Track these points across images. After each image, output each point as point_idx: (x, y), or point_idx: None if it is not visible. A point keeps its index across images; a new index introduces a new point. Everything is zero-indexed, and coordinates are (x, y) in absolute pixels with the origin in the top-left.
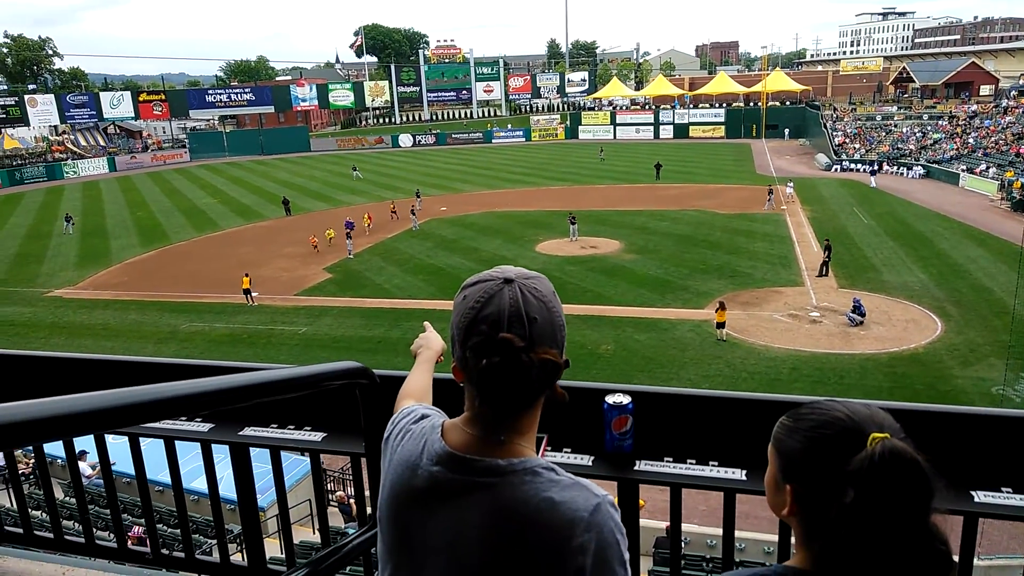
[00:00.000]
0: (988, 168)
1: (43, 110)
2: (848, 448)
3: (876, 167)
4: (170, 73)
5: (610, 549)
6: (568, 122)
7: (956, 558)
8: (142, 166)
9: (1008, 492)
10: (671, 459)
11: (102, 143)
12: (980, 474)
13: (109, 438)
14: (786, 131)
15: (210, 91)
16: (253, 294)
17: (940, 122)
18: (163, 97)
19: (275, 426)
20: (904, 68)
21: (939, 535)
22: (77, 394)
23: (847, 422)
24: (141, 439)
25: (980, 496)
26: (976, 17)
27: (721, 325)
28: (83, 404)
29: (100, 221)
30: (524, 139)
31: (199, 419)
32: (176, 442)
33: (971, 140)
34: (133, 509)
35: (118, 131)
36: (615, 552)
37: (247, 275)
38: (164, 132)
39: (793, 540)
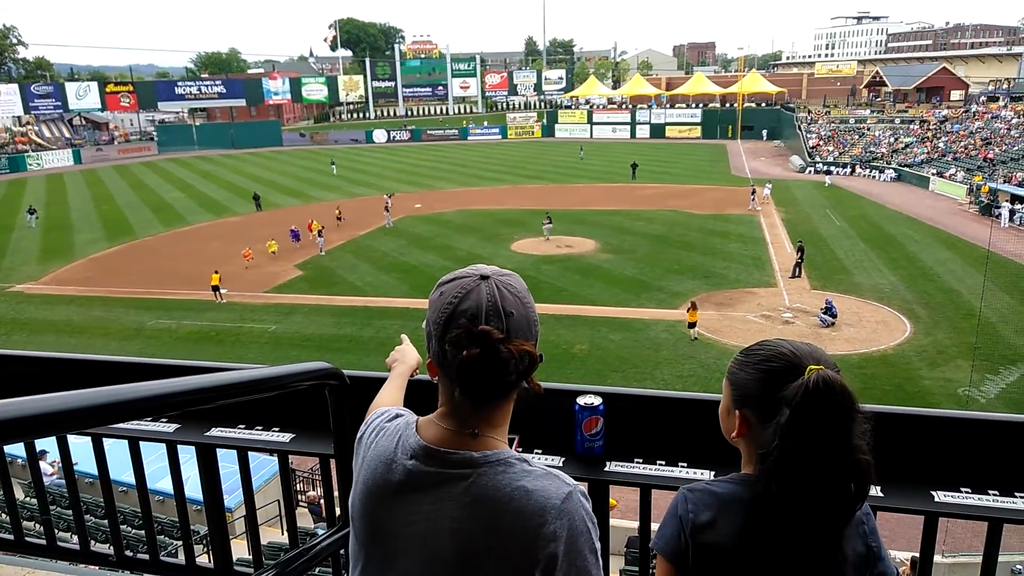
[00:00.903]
0: (957, 172)
1: (6, 100)
2: (789, 378)
3: (830, 169)
4: (138, 64)
5: (581, 536)
6: (545, 120)
7: (916, 555)
8: (108, 159)
9: (967, 492)
10: (641, 460)
11: (67, 135)
12: (940, 474)
13: (71, 437)
14: (764, 132)
15: (180, 83)
16: (222, 291)
17: (911, 126)
18: (131, 88)
19: (243, 427)
20: (877, 72)
21: (861, 448)
22: (39, 395)
23: (790, 356)
24: (104, 439)
25: (940, 496)
26: (948, 23)
27: (692, 325)
28: (45, 406)
29: (64, 215)
30: (500, 136)
31: (164, 419)
32: (141, 442)
33: (941, 144)
34: (96, 510)
35: (84, 123)
36: (586, 539)
37: (217, 272)
38: (132, 124)
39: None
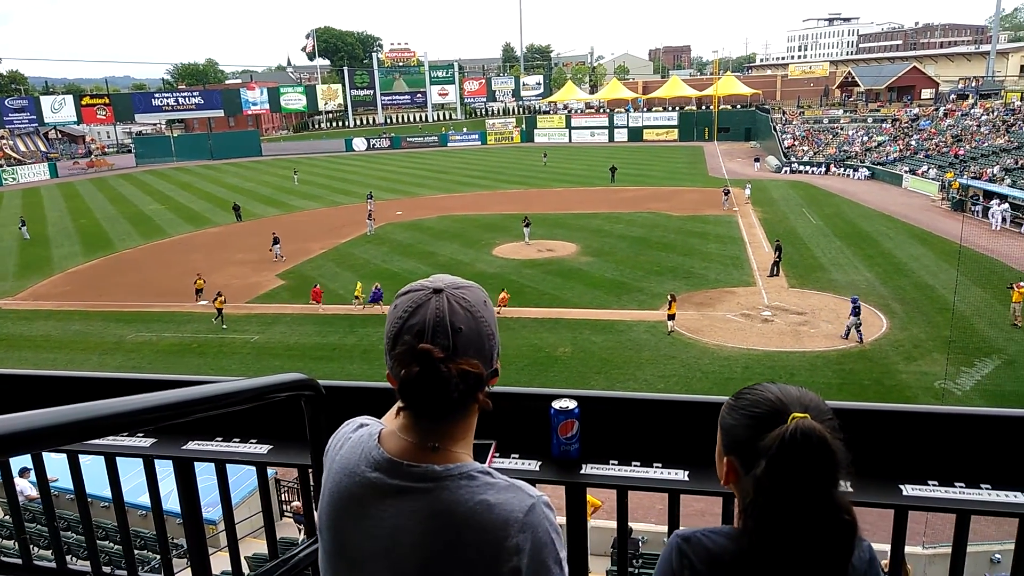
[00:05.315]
0: (929, 169)
1: None
2: (772, 426)
3: (757, 159)
4: (114, 76)
5: (545, 549)
6: (524, 125)
7: (887, 548)
8: (85, 172)
9: (934, 484)
10: (616, 462)
11: (43, 148)
12: (908, 468)
13: (47, 455)
14: (748, 130)
15: (156, 94)
16: (203, 301)
17: (884, 125)
18: (107, 101)
19: (220, 439)
20: (849, 72)
21: (844, 506)
22: (13, 414)
23: (775, 403)
24: (80, 455)
25: (908, 489)
26: (917, 23)
27: (672, 317)
28: (19, 424)
29: (41, 229)
30: (480, 143)
31: (141, 434)
32: (118, 458)
33: (913, 142)
34: (77, 527)
35: (60, 136)
36: (550, 551)
37: (200, 277)
38: (108, 137)
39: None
